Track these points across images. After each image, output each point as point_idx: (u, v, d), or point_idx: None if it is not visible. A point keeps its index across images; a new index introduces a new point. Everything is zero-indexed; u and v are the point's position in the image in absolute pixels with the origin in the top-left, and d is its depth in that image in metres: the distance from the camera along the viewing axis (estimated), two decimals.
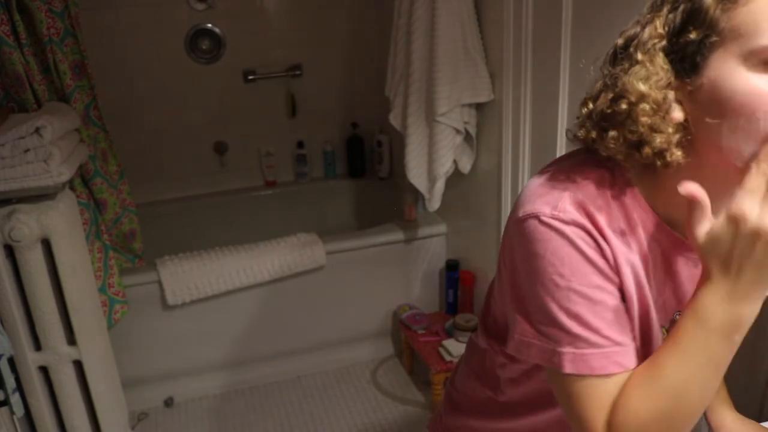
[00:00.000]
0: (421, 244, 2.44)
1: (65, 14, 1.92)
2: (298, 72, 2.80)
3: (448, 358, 2.12)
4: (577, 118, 0.71)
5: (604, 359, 0.66)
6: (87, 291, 1.79)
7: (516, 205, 0.74)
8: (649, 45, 0.63)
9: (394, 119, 2.17)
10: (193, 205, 2.81)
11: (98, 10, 2.47)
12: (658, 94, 0.62)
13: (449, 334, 2.23)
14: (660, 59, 0.63)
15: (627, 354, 0.67)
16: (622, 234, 0.69)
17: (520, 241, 0.70)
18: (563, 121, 1.59)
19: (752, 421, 0.98)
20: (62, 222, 1.66)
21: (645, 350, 0.71)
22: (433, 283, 2.51)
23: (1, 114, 1.72)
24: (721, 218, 0.59)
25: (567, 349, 0.66)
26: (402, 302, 2.47)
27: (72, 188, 1.94)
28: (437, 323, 2.34)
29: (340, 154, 3.01)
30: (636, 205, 0.70)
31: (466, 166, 2.12)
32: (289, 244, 2.26)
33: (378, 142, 2.89)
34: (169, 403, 2.31)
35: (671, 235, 0.72)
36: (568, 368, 0.66)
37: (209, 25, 2.65)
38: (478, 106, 2.04)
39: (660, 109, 0.63)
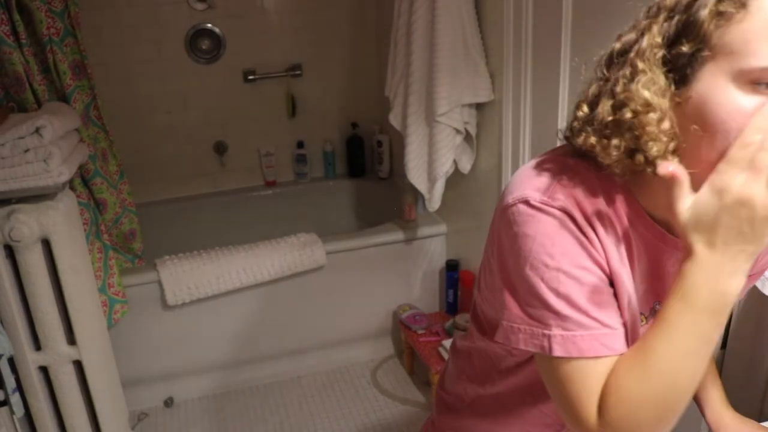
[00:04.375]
0: (421, 244, 2.44)
1: (65, 14, 1.92)
2: (298, 72, 2.80)
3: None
4: (573, 122, 0.70)
5: (594, 341, 0.66)
6: (87, 291, 1.79)
7: (504, 193, 0.74)
8: (649, 53, 0.63)
9: (394, 119, 2.17)
10: (193, 205, 2.81)
11: (98, 9, 2.47)
12: (661, 103, 0.62)
13: (449, 335, 2.23)
14: (659, 69, 0.63)
15: (616, 337, 0.67)
16: (608, 222, 0.70)
17: (509, 226, 0.70)
18: (563, 121, 1.59)
19: (751, 420, 0.98)
20: (62, 222, 1.66)
21: (628, 336, 0.72)
22: (433, 283, 2.51)
23: (0, 114, 1.71)
24: (704, 190, 0.59)
25: (556, 332, 0.67)
26: (402, 302, 2.47)
27: (72, 188, 1.94)
28: (437, 323, 2.34)
29: (340, 154, 3.01)
30: (621, 196, 0.71)
31: (466, 166, 2.12)
32: (289, 244, 2.26)
33: (378, 142, 2.89)
34: (169, 403, 2.31)
35: (654, 228, 0.72)
36: (558, 351, 0.66)
37: (209, 25, 2.65)
38: (478, 106, 2.04)
39: (661, 118, 0.63)
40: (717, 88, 0.59)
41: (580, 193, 0.69)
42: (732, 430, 0.97)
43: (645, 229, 0.72)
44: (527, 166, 0.75)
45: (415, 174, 2.13)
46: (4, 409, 1.61)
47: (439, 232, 2.45)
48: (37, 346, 1.71)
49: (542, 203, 0.68)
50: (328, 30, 2.80)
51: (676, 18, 0.62)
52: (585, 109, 0.68)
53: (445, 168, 2.06)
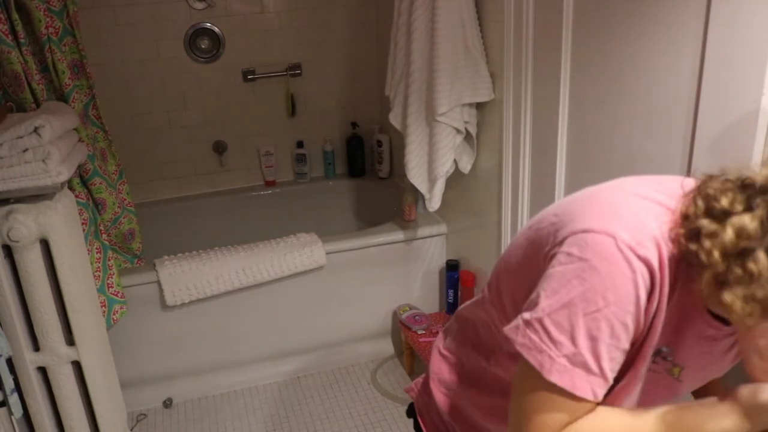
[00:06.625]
0: (421, 244, 2.44)
1: (64, 13, 1.91)
2: (297, 71, 2.79)
3: None
4: (685, 219, 0.68)
5: (588, 384, 0.68)
6: (86, 291, 1.79)
7: (585, 210, 0.72)
8: None
9: (394, 119, 2.16)
10: (193, 205, 2.80)
11: (97, 9, 2.46)
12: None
13: None
14: None
15: (604, 388, 0.69)
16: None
17: (585, 248, 0.69)
18: (564, 121, 1.58)
19: None
20: (61, 222, 1.65)
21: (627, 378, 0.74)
22: (433, 283, 2.51)
23: None
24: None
25: (562, 361, 0.68)
26: (402, 302, 2.46)
27: (71, 188, 1.93)
28: (437, 323, 2.34)
29: (340, 153, 3.00)
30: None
31: (466, 166, 2.11)
32: (289, 244, 2.26)
33: (378, 142, 2.88)
34: (168, 403, 2.30)
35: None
36: (554, 377, 0.68)
37: (209, 24, 2.64)
38: (479, 106, 2.03)
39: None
40: None
41: (665, 246, 0.68)
42: None
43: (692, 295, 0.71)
44: (625, 189, 0.73)
45: (416, 174, 2.13)
46: (3, 410, 1.61)
47: (439, 232, 2.44)
48: (36, 346, 1.71)
49: (629, 248, 0.67)
50: (328, 30, 2.79)
51: None
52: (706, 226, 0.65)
53: (445, 168, 2.05)
